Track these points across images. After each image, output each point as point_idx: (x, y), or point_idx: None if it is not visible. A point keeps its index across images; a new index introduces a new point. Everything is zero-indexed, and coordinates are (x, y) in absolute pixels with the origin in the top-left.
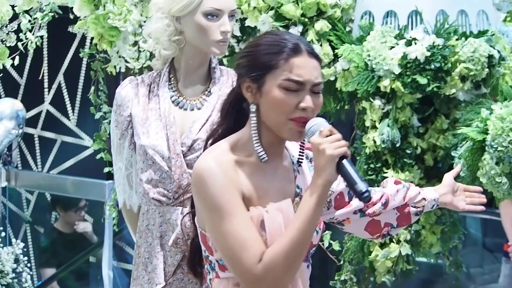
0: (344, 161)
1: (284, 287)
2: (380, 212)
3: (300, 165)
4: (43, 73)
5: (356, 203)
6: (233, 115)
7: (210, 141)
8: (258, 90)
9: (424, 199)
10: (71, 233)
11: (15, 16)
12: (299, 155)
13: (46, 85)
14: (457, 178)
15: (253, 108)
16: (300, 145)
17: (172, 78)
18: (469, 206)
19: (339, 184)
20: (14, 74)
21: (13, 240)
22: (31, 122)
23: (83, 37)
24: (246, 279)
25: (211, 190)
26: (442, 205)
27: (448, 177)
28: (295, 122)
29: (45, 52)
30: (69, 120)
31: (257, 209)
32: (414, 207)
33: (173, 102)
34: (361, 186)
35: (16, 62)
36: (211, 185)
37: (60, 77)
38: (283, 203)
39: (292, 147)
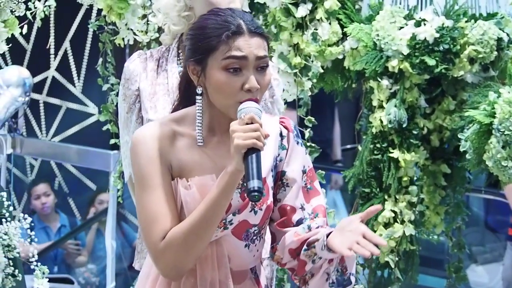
0: (251, 154)
1: (182, 267)
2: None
3: None
4: (50, 41)
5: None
6: (189, 93)
7: None
8: (202, 72)
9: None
10: None
11: None
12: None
13: (52, 51)
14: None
15: (199, 90)
16: (281, 122)
17: (181, 54)
18: (351, 252)
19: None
20: (21, 40)
21: (16, 205)
22: (37, 88)
23: (90, 6)
24: (150, 253)
25: (138, 160)
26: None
27: (345, 220)
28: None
29: (51, 19)
30: (75, 87)
31: (182, 182)
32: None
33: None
34: (254, 183)
35: (25, 31)
36: (139, 155)
37: (66, 44)
38: (207, 177)
39: (267, 122)
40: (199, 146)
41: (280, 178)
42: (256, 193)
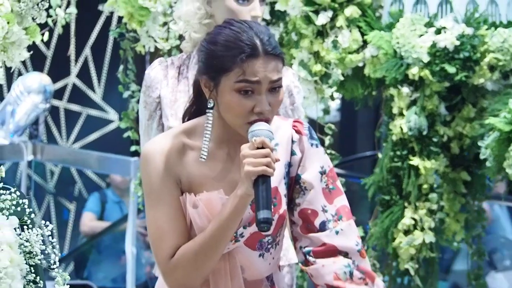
0: (261, 181)
1: (192, 285)
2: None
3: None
4: (71, 48)
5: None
6: (201, 102)
7: (186, 119)
8: (214, 88)
9: None
10: None
11: None
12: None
13: (73, 58)
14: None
15: (210, 104)
16: (293, 126)
17: None
18: None
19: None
20: (42, 47)
21: (37, 211)
22: (57, 94)
23: (111, 13)
24: (160, 269)
25: (146, 175)
26: None
27: None
28: (252, 125)
29: (72, 26)
30: (95, 93)
31: (190, 198)
32: None
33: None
34: (262, 214)
35: (46, 38)
36: (148, 170)
37: (87, 51)
38: (214, 193)
39: (279, 126)
40: (209, 160)
41: (296, 182)
42: (265, 225)
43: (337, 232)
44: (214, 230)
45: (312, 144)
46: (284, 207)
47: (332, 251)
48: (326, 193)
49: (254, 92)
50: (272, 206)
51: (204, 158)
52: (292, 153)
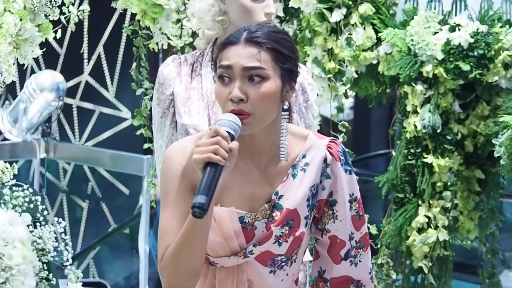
0: (209, 169)
1: (177, 287)
2: None
3: (304, 169)
4: (84, 46)
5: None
6: None
7: None
8: None
9: None
10: None
11: None
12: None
13: (85, 56)
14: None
15: None
16: (328, 147)
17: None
18: None
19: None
20: (54, 45)
21: (49, 209)
22: (70, 92)
23: (124, 10)
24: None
25: (163, 175)
26: None
27: None
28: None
29: (85, 23)
30: (108, 91)
31: None
32: None
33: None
34: (197, 199)
35: (58, 35)
36: (165, 172)
37: (100, 49)
38: (224, 211)
39: (313, 145)
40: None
41: (328, 207)
42: (197, 209)
43: (356, 264)
44: (184, 230)
45: (346, 171)
46: (302, 229)
47: (347, 281)
48: (355, 220)
49: (231, 79)
50: (288, 228)
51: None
52: (326, 175)
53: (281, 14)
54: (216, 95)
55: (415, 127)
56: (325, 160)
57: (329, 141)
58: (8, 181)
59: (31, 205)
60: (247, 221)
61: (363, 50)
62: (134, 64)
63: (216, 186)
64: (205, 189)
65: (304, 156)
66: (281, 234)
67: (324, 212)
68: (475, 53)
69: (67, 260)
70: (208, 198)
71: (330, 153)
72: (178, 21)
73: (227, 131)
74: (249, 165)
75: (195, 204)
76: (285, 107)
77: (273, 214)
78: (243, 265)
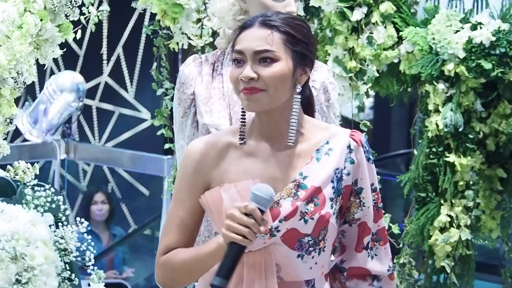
0: (233, 248)
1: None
2: None
3: (328, 153)
4: (104, 46)
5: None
6: None
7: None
8: None
9: None
10: None
11: None
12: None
13: (105, 57)
14: None
15: None
16: (351, 135)
17: None
18: None
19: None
20: (74, 46)
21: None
22: (89, 93)
23: (143, 11)
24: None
25: (180, 170)
26: None
27: None
28: (243, 93)
29: (104, 25)
30: (127, 92)
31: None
32: None
33: None
34: (215, 280)
35: (78, 36)
36: (180, 168)
37: (119, 50)
38: (250, 183)
39: (336, 134)
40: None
41: (355, 195)
42: None
43: (372, 257)
44: (192, 259)
45: (368, 159)
46: (327, 209)
47: (363, 274)
48: (374, 211)
49: (244, 62)
50: (313, 205)
51: (242, 142)
52: (350, 161)
53: (302, 13)
54: (230, 76)
55: (437, 126)
56: (348, 146)
57: (352, 131)
58: (30, 181)
59: (53, 205)
60: None
61: (384, 49)
62: (155, 64)
63: (237, 265)
64: (225, 272)
65: (327, 142)
66: (306, 210)
67: (351, 202)
68: (497, 52)
69: (89, 260)
70: (227, 281)
71: (354, 139)
72: (199, 20)
73: (259, 208)
74: (270, 150)
75: (213, 284)
76: (298, 90)
77: (298, 193)
78: (270, 248)
